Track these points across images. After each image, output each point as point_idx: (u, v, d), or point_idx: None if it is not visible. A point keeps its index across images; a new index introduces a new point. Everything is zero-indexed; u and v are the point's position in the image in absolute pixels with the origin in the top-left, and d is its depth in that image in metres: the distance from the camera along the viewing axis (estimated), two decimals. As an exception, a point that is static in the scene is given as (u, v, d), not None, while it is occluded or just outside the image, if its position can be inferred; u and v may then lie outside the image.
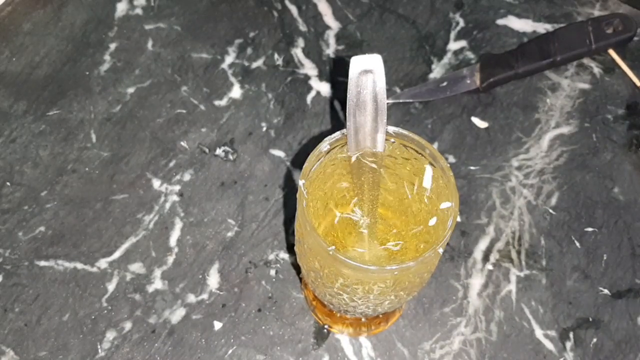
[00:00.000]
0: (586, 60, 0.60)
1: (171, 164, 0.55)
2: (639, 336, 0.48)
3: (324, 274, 0.36)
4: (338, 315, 0.47)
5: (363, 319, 0.47)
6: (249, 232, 0.52)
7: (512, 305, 0.49)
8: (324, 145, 0.36)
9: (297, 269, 0.50)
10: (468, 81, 0.58)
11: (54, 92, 0.58)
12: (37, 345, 0.47)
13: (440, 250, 0.34)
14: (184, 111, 0.57)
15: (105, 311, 0.48)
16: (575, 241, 0.52)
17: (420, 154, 0.36)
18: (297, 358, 0.47)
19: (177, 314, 0.48)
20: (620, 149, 0.56)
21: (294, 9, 0.64)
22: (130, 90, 0.58)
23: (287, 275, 0.50)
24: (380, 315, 0.47)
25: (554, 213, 0.53)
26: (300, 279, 0.50)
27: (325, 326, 0.48)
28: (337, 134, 0.36)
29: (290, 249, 0.51)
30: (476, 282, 0.50)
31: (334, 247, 0.33)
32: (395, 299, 0.38)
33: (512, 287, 0.50)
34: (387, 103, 0.58)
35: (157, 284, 0.49)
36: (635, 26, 0.58)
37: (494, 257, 0.51)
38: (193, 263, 0.50)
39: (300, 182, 0.35)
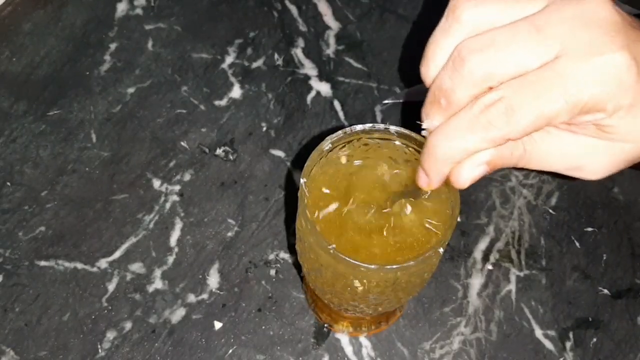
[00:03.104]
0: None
1: (171, 164, 0.55)
2: (639, 336, 0.49)
3: (324, 272, 0.36)
4: (339, 314, 0.47)
5: (364, 318, 0.47)
6: (249, 232, 0.52)
7: (512, 305, 0.49)
8: (326, 144, 0.36)
9: (298, 267, 0.50)
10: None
11: (54, 92, 0.58)
12: (38, 345, 0.47)
13: (441, 250, 0.34)
14: (184, 111, 0.57)
15: (106, 311, 0.48)
16: (575, 241, 0.52)
17: (419, 152, 0.36)
18: (297, 358, 0.47)
19: (177, 314, 0.48)
20: None
21: (294, 9, 0.64)
22: (131, 90, 0.58)
23: (287, 275, 0.50)
24: (381, 315, 0.48)
25: (553, 213, 0.53)
26: (302, 277, 0.50)
27: (326, 325, 0.48)
28: (339, 133, 0.36)
29: (291, 248, 0.51)
30: (476, 282, 0.50)
31: (334, 245, 0.33)
32: (395, 299, 0.38)
33: (512, 287, 0.50)
34: (387, 103, 0.58)
35: (157, 283, 0.49)
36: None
37: (493, 257, 0.51)
38: (193, 263, 0.50)
39: (302, 181, 0.35)
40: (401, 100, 0.58)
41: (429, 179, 0.31)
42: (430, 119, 0.30)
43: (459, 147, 0.28)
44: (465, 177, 0.30)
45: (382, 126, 0.36)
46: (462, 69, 0.28)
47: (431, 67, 0.30)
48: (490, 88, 0.28)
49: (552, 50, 0.27)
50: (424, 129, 0.30)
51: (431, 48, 0.30)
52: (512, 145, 0.29)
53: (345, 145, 0.37)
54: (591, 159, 0.30)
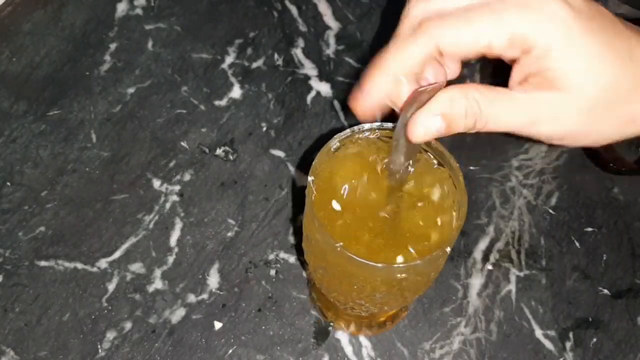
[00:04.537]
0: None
1: (171, 164, 0.55)
2: (639, 336, 0.49)
3: (331, 270, 0.36)
4: (344, 312, 0.47)
5: (368, 318, 0.47)
6: (249, 232, 0.52)
7: (512, 305, 0.49)
8: (334, 142, 0.36)
9: (303, 266, 0.50)
10: (468, 81, 0.58)
11: (54, 92, 0.58)
12: (37, 345, 0.47)
13: (448, 250, 0.34)
14: (184, 111, 0.57)
15: (106, 311, 0.48)
16: (575, 241, 0.52)
17: (427, 151, 0.37)
18: (297, 358, 0.47)
19: (177, 314, 0.48)
20: (620, 149, 0.56)
21: (294, 9, 0.64)
22: (131, 90, 0.58)
23: (287, 275, 0.50)
24: (386, 315, 0.48)
25: (553, 213, 0.53)
26: (307, 278, 0.50)
27: (330, 323, 0.48)
28: (347, 131, 0.36)
29: (291, 248, 0.51)
30: (476, 282, 0.50)
31: (341, 243, 0.33)
32: (401, 298, 0.38)
33: (512, 287, 0.50)
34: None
35: (157, 284, 0.49)
36: (635, 26, 0.58)
37: (493, 257, 0.51)
38: (193, 263, 0.50)
39: (309, 179, 0.35)
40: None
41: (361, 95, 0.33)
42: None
43: (390, 58, 0.32)
44: (420, 128, 0.31)
45: (389, 125, 0.36)
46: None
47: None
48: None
49: None
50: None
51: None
52: (465, 103, 0.31)
53: (353, 143, 0.37)
54: (545, 113, 0.31)
